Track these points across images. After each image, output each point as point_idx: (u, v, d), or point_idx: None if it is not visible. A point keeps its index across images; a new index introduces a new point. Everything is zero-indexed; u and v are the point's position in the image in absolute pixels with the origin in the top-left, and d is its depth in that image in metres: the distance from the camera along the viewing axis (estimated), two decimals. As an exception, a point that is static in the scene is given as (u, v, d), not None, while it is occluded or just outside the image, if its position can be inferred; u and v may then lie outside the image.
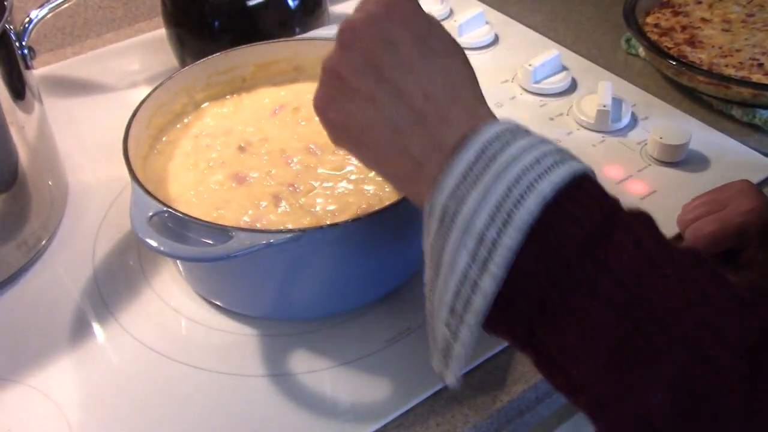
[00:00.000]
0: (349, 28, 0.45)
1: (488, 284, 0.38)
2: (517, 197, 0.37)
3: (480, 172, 0.39)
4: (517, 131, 0.40)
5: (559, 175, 0.38)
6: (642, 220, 0.39)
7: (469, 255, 0.38)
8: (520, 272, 0.37)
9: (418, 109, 0.43)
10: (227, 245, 0.48)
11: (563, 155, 0.39)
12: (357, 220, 0.51)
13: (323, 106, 0.47)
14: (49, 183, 0.66)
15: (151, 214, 0.50)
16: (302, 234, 0.49)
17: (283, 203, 0.57)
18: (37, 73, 0.87)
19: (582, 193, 0.38)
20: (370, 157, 0.46)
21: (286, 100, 0.68)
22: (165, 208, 0.51)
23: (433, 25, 0.45)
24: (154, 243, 0.48)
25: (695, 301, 0.36)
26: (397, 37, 0.44)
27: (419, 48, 0.44)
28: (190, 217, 0.51)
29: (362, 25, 0.44)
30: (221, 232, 0.50)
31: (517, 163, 0.38)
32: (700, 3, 0.90)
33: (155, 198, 0.51)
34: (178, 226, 0.52)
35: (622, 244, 0.37)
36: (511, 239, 0.37)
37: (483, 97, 0.45)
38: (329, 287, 0.56)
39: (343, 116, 0.45)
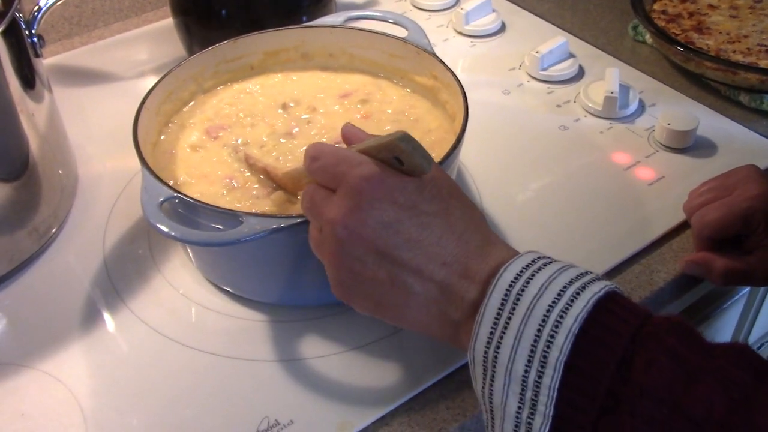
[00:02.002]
0: (340, 224, 0.44)
1: (540, 423, 0.39)
2: (547, 338, 0.39)
3: (508, 317, 0.40)
4: (534, 265, 0.42)
5: (582, 306, 0.39)
6: (674, 328, 0.39)
7: (516, 399, 0.40)
8: (566, 405, 0.38)
9: (440, 279, 0.43)
10: (237, 230, 0.48)
11: (583, 280, 0.40)
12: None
13: (346, 296, 0.47)
14: (59, 171, 0.66)
15: (162, 199, 0.50)
16: (312, 219, 0.49)
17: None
18: (45, 63, 0.88)
19: (607, 317, 0.39)
20: (408, 327, 0.47)
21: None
22: (176, 194, 0.51)
23: (417, 186, 0.45)
24: (165, 228, 0.49)
25: (739, 406, 0.36)
26: (390, 217, 0.44)
27: (416, 220, 0.44)
28: (201, 202, 0.51)
29: (351, 218, 0.44)
30: (231, 217, 0.50)
31: (540, 303, 0.39)
32: (707, -11, 0.90)
33: (166, 184, 0.52)
34: (188, 212, 0.53)
35: (655, 360, 0.37)
36: (550, 378, 0.38)
37: (492, 233, 0.46)
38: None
39: (370, 303, 0.46)
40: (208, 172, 0.60)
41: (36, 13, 0.62)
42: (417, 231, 0.44)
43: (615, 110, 0.76)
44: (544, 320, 0.39)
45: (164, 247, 0.64)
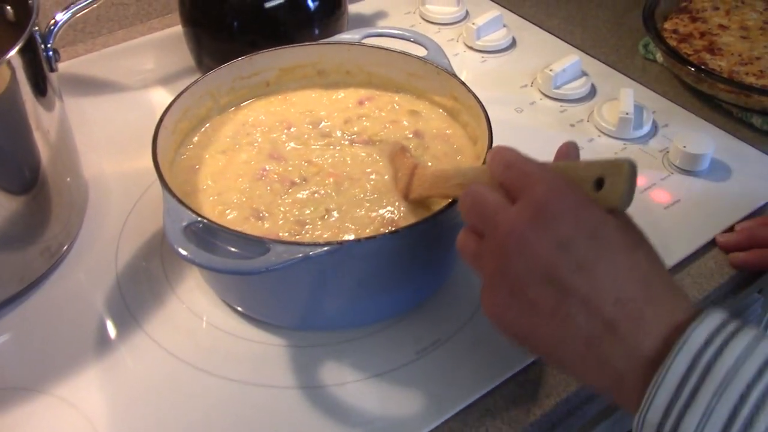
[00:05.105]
0: (516, 235, 0.41)
1: None
2: (745, 421, 0.34)
3: (695, 387, 0.36)
4: (725, 328, 0.37)
5: None
6: None
7: None
8: None
9: (608, 317, 0.39)
10: (265, 258, 0.47)
11: None
12: (395, 233, 0.51)
13: (497, 317, 0.43)
14: (70, 185, 0.65)
15: (185, 224, 0.49)
16: (340, 247, 0.49)
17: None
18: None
19: None
20: (563, 367, 0.43)
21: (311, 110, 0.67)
22: (199, 219, 0.50)
23: (603, 212, 0.41)
24: (189, 255, 0.47)
25: None
26: (568, 236, 0.40)
27: (595, 244, 0.40)
28: (226, 228, 0.50)
29: (528, 230, 0.40)
30: (257, 243, 0.49)
31: (738, 378, 0.35)
32: (717, 9, 0.90)
33: (189, 207, 0.51)
34: (210, 236, 0.51)
35: None
36: None
37: (677, 286, 0.41)
38: (361, 298, 0.55)
39: (522, 330, 0.42)
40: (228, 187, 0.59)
41: (53, 27, 0.60)
42: (593, 257, 0.39)
43: (629, 131, 0.76)
44: (742, 399, 0.34)
45: (178, 266, 0.63)
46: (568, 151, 0.48)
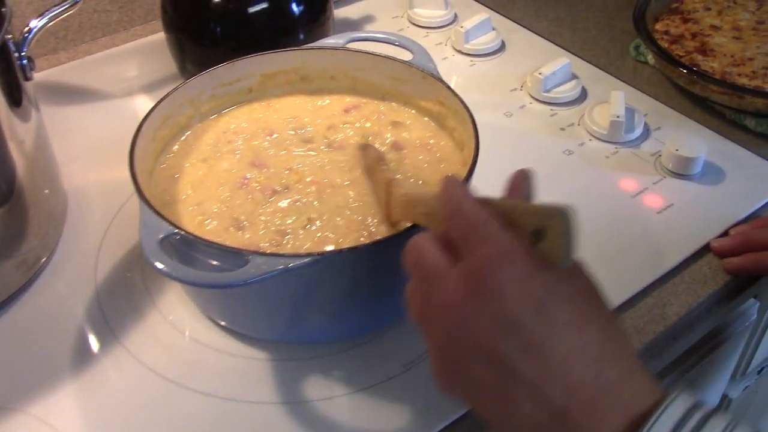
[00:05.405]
0: (453, 311, 0.38)
1: None
2: None
3: None
4: (691, 417, 0.34)
5: None
6: None
7: None
8: None
9: (557, 406, 0.35)
10: (244, 271, 0.46)
11: None
12: (377, 243, 0.49)
13: (446, 387, 0.40)
14: (48, 197, 0.63)
15: (161, 236, 0.48)
16: (320, 258, 0.47)
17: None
18: (30, 80, 0.85)
19: None
20: None
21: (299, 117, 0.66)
22: (176, 230, 0.48)
23: (549, 280, 0.37)
24: (165, 268, 0.46)
25: None
26: (512, 315, 0.36)
27: (542, 322, 0.36)
28: (203, 240, 0.48)
29: (466, 306, 0.37)
30: (236, 255, 0.47)
31: None
32: (709, 9, 0.89)
33: (166, 219, 0.49)
34: (188, 248, 0.50)
35: None
36: None
37: (635, 360, 0.37)
38: (345, 310, 0.54)
39: (470, 402, 0.40)
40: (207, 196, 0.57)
41: (26, 35, 0.59)
42: (540, 338, 0.36)
43: (621, 134, 0.74)
44: None
45: (159, 278, 0.61)
46: (521, 184, 0.44)
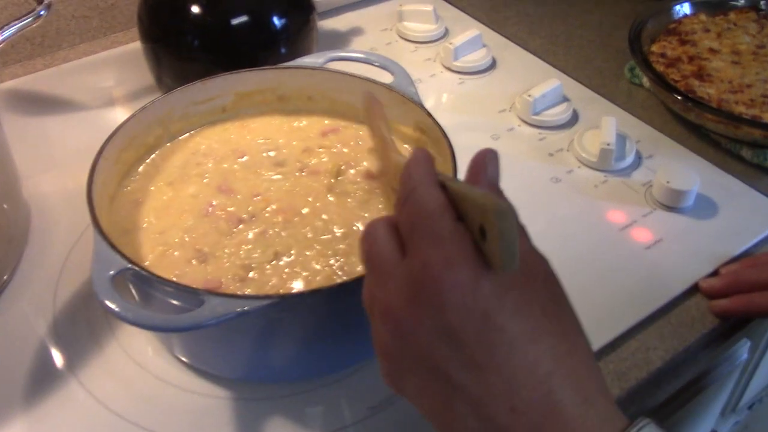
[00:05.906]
0: (392, 319, 0.35)
1: None
2: None
3: None
4: None
5: None
6: None
7: None
8: None
9: (502, 425, 0.33)
10: (197, 313, 0.43)
11: None
12: (342, 286, 0.46)
13: (396, 388, 0.38)
14: (7, 212, 0.60)
15: (113, 272, 0.45)
16: (281, 300, 0.44)
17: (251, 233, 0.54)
18: (3, 87, 0.82)
19: None
20: None
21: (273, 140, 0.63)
22: (129, 266, 0.46)
23: (497, 287, 0.34)
24: (115, 308, 0.43)
25: None
26: (454, 325, 0.33)
27: (487, 335, 0.33)
28: (158, 277, 0.45)
29: (404, 314, 0.34)
30: (191, 294, 0.45)
31: None
32: (708, 32, 0.86)
33: (120, 252, 0.46)
34: (143, 284, 0.47)
35: None
36: None
37: (593, 379, 0.35)
38: (309, 350, 0.51)
39: (419, 407, 0.37)
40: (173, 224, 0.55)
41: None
42: (484, 354, 0.33)
43: (611, 163, 0.71)
44: None
45: (121, 307, 0.58)
46: (484, 165, 0.39)
